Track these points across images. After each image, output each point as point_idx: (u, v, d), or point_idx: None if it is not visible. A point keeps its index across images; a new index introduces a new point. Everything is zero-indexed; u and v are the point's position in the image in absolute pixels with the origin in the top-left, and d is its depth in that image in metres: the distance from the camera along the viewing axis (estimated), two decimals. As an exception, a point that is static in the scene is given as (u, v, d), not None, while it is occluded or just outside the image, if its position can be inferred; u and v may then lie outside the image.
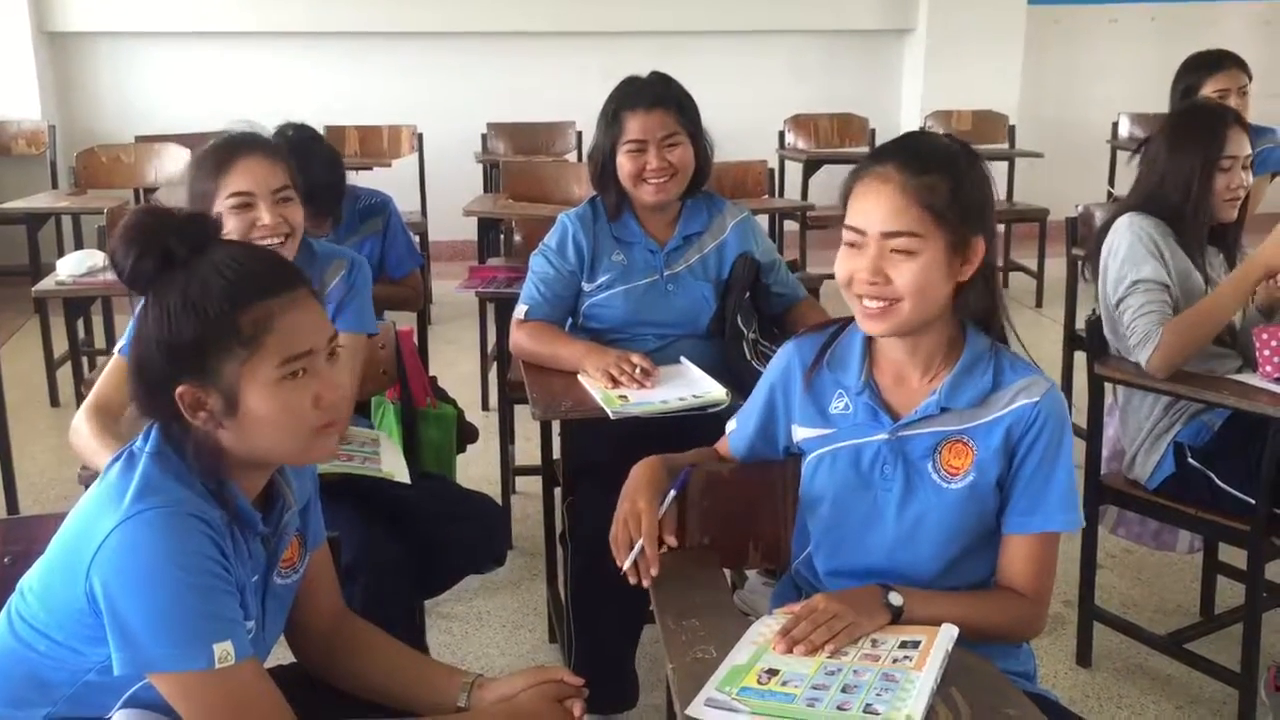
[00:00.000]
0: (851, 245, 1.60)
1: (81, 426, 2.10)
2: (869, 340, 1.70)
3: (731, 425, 1.86)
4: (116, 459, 1.39)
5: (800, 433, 1.74)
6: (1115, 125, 6.68)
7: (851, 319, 1.68)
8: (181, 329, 1.32)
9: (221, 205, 2.16)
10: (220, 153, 2.20)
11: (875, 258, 1.57)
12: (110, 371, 2.19)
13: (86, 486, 2.25)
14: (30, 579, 1.40)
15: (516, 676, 1.54)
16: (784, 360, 1.78)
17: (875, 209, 1.57)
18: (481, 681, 1.55)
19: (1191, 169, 2.56)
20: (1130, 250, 2.55)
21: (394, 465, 2.25)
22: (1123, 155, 6.46)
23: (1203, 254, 2.61)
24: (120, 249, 1.34)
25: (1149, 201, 2.62)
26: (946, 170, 1.58)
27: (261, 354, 1.33)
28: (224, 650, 1.29)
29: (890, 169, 1.58)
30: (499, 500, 3.26)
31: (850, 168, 1.66)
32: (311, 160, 3.22)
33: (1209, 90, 3.68)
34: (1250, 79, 3.79)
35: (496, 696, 1.52)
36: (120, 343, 2.23)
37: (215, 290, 1.32)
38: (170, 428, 1.37)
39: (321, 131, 5.90)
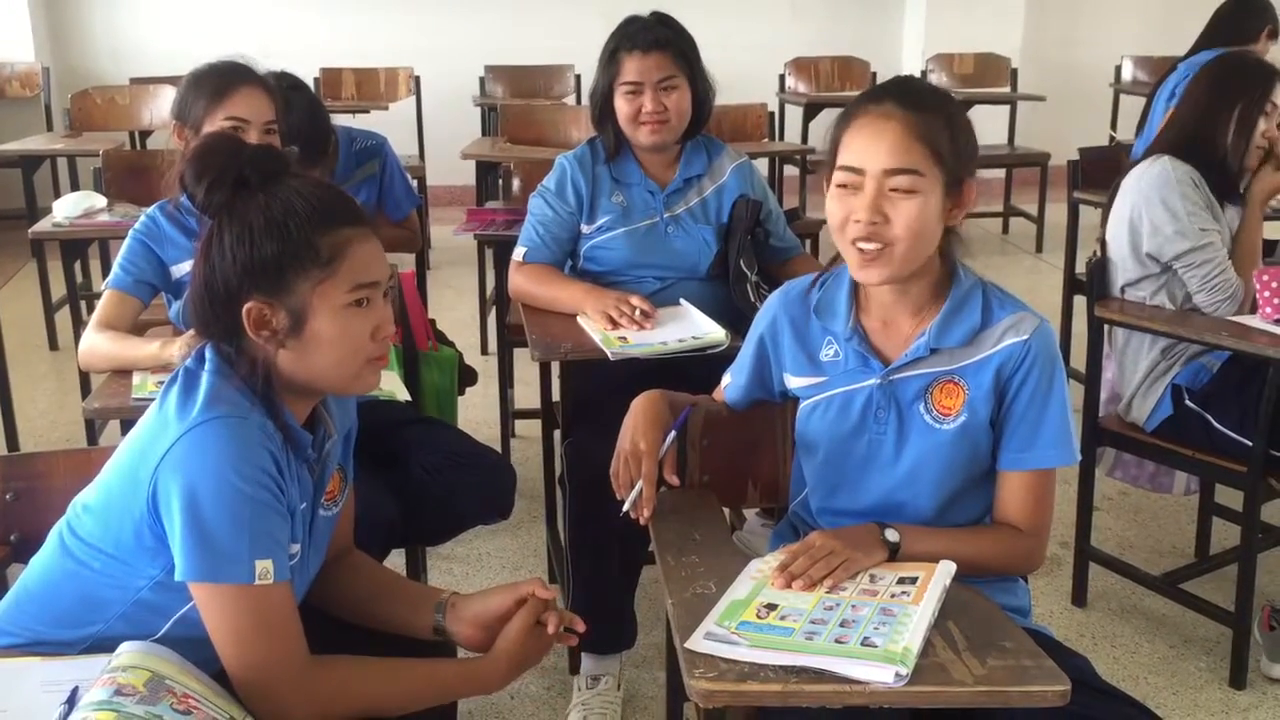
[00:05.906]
0: (845, 187, 1.56)
1: (98, 336, 2.19)
2: (855, 286, 1.68)
3: (726, 380, 1.85)
4: (173, 381, 1.40)
5: (793, 381, 1.74)
6: (1118, 69, 6.62)
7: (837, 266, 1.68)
8: (263, 245, 1.36)
9: (214, 125, 2.29)
10: (224, 77, 2.34)
11: (875, 196, 1.54)
12: (107, 301, 2.27)
13: (92, 425, 2.28)
14: (86, 496, 1.43)
15: (491, 593, 1.56)
16: (770, 311, 1.77)
17: (876, 146, 1.54)
18: (454, 599, 1.57)
19: (1237, 115, 2.56)
20: (1184, 201, 2.53)
21: (392, 385, 2.28)
22: (1125, 99, 6.41)
23: (1225, 200, 2.62)
24: (193, 175, 1.39)
25: (1184, 148, 2.60)
26: (943, 110, 1.58)
27: (335, 278, 1.38)
28: (264, 568, 1.32)
29: (889, 107, 1.55)
30: (498, 445, 3.27)
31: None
32: (291, 110, 3.20)
33: (1266, 38, 3.61)
34: None
35: (472, 613, 1.55)
36: (109, 278, 2.30)
37: (298, 211, 1.37)
38: (226, 349, 1.40)
39: (317, 74, 5.95)
